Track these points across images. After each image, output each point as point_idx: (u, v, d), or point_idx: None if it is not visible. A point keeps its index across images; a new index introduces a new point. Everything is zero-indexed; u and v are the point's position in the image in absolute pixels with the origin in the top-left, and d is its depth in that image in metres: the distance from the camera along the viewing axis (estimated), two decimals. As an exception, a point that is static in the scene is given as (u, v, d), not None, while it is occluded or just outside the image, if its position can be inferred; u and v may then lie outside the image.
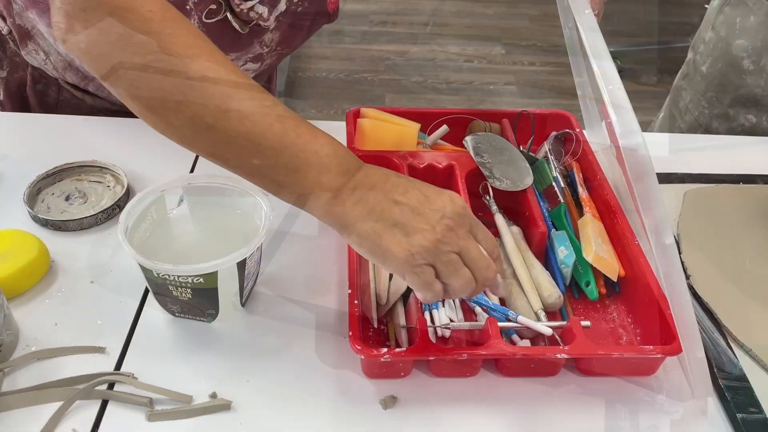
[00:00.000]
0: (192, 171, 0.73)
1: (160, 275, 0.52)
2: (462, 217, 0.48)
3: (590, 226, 0.62)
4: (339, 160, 0.48)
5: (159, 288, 0.54)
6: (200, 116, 0.45)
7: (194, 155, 0.74)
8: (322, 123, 0.81)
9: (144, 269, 0.52)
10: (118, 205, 0.66)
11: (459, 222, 0.47)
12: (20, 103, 0.82)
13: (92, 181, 0.70)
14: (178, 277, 0.51)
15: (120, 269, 0.61)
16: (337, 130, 0.79)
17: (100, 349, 0.54)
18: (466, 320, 0.56)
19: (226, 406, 0.50)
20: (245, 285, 0.56)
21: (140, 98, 0.46)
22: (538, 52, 2.93)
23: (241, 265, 0.53)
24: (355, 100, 2.59)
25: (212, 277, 0.52)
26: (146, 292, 0.59)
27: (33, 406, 0.50)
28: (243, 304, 0.58)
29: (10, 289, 0.56)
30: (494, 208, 0.65)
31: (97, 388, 0.51)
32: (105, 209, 0.65)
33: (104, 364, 0.53)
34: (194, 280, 0.52)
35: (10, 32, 0.75)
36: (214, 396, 0.51)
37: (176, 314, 0.57)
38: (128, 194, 0.67)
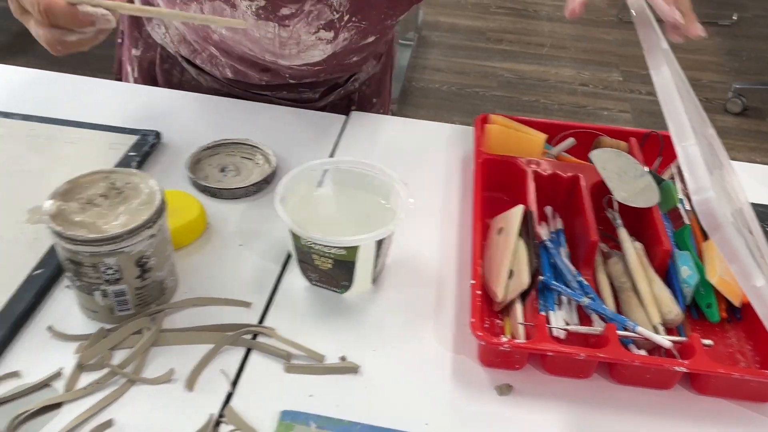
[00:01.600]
0: (331, 156, 0.79)
1: (308, 243, 0.57)
2: None
3: (716, 250, 0.62)
4: None
5: (304, 255, 0.59)
6: None
7: (333, 143, 0.81)
8: (446, 126, 0.86)
9: (294, 236, 0.58)
10: (267, 181, 0.73)
11: None
12: (150, 82, 0.92)
13: (244, 157, 0.77)
14: (324, 246, 0.57)
15: (265, 237, 0.67)
16: (465, 133, 0.84)
17: (246, 304, 0.60)
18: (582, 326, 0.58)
19: (353, 369, 0.55)
20: (378, 263, 0.61)
21: None
22: (657, 82, 2.85)
23: (379, 244, 0.58)
24: (465, 113, 2.62)
25: (353, 250, 0.57)
26: (287, 260, 0.65)
27: (187, 345, 0.56)
28: (373, 281, 0.62)
29: (175, 242, 0.63)
30: (618, 222, 0.67)
31: (243, 337, 0.57)
32: (255, 183, 0.72)
33: (249, 317, 0.59)
34: (337, 252, 0.57)
35: None
36: (343, 359, 0.56)
37: (313, 282, 0.62)
38: (275, 172, 0.74)
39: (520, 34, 3.22)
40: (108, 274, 0.54)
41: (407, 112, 2.52)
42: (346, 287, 0.61)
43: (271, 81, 0.86)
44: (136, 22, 0.90)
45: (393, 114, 1.08)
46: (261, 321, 0.59)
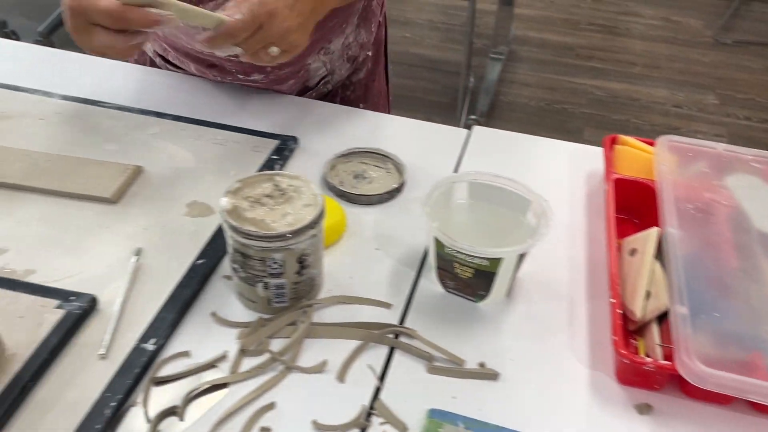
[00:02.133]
0: (456, 170, 0.82)
1: (452, 252, 0.60)
2: None
3: None
4: None
5: (445, 263, 0.62)
6: None
7: (457, 156, 0.84)
8: (567, 144, 0.86)
9: (438, 243, 0.61)
10: (398, 189, 0.77)
11: None
12: None
13: (376, 166, 0.81)
14: (468, 256, 0.60)
15: (399, 242, 0.71)
16: (594, 154, 0.85)
17: (387, 305, 0.64)
18: (721, 350, 0.58)
19: (494, 376, 0.57)
20: (515, 276, 0.63)
21: None
22: (756, 107, 2.75)
23: (520, 257, 0.61)
24: (553, 129, 2.61)
25: (496, 262, 0.59)
26: (421, 265, 0.68)
27: (335, 339, 0.60)
28: (508, 293, 0.65)
29: (320, 242, 0.68)
30: (757, 249, 0.67)
31: (387, 336, 0.60)
32: (389, 191, 0.76)
33: (388, 318, 0.63)
34: (480, 262, 0.60)
35: None
36: (482, 365, 0.58)
37: (449, 289, 0.65)
38: (405, 181, 0.78)
39: (611, 52, 3.18)
40: (273, 268, 0.58)
41: (494, 126, 2.52)
42: (483, 297, 0.63)
43: (224, 78, 0.90)
44: None
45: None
46: (401, 323, 0.62)
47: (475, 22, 2.56)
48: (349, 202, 0.76)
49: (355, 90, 1.02)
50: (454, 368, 0.58)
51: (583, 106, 2.77)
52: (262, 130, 0.85)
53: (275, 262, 0.58)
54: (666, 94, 2.86)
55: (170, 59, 0.94)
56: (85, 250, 0.66)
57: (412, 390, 0.56)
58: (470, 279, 0.62)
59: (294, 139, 0.83)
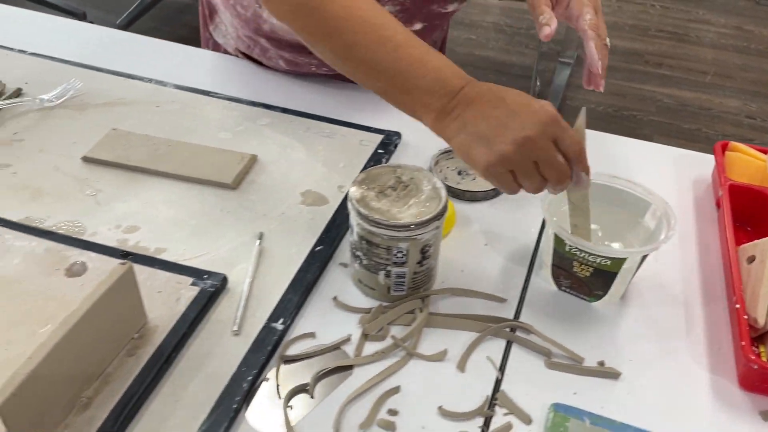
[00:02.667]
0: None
1: (572, 250, 0.61)
2: (545, 126, 0.53)
3: None
4: (443, 84, 0.57)
5: (562, 261, 0.63)
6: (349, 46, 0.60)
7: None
8: (671, 149, 0.85)
9: (557, 241, 0.62)
10: (505, 187, 0.78)
11: (541, 132, 0.53)
12: None
13: (479, 163, 0.82)
14: (590, 255, 0.60)
15: (507, 239, 0.72)
16: (699, 160, 0.84)
17: (501, 300, 0.65)
18: None
19: (615, 375, 0.58)
20: (632, 278, 0.63)
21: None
22: (836, 120, 2.66)
23: (642, 259, 0.61)
24: (621, 136, 2.57)
25: (618, 262, 0.60)
26: (531, 263, 0.69)
27: (452, 330, 0.62)
28: (623, 294, 0.65)
29: (434, 235, 0.69)
30: None
31: (504, 329, 0.61)
32: (495, 188, 0.77)
33: (503, 312, 0.64)
34: (602, 261, 0.60)
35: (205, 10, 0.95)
36: (602, 364, 0.59)
37: (562, 288, 0.66)
38: (513, 179, 0.78)
39: (681, 60, 3.11)
40: (397, 257, 0.60)
41: (562, 130, 2.50)
42: (599, 297, 0.64)
43: (321, 68, 0.90)
44: (206, 24, 0.99)
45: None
46: (515, 318, 0.63)
47: (545, 26, 2.55)
48: (454, 198, 0.77)
49: None
50: (574, 365, 0.59)
51: (652, 113, 2.72)
52: (365, 124, 0.87)
53: (400, 251, 0.59)
54: (738, 104, 2.79)
55: (255, 56, 0.97)
56: (210, 232, 0.69)
57: (532, 384, 0.57)
58: (588, 278, 0.62)
59: (398, 134, 0.85)
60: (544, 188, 0.57)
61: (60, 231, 0.67)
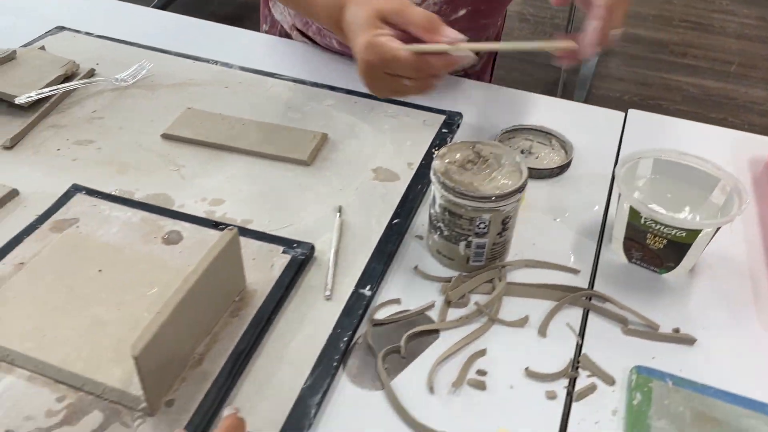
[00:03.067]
0: (618, 151, 0.84)
1: (648, 222, 0.63)
2: (368, 65, 0.62)
3: None
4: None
5: (636, 233, 0.65)
6: None
7: (618, 138, 0.86)
8: (718, 129, 0.87)
9: (633, 213, 0.64)
10: (567, 165, 0.80)
11: (370, 67, 0.62)
12: None
13: (539, 143, 0.84)
14: (665, 226, 0.62)
15: (574, 215, 0.74)
16: (755, 142, 0.86)
17: (575, 271, 0.67)
18: None
19: (690, 341, 0.60)
20: (704, 250, 0.65)
21: None
22: None
23: (715, 232, 0.63)
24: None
25: (694, 234, 0.62)
26: (601, 236, 0.72)
27: (529, 299, 0.64)
28: (692, 267, 0.67)
29: (506, 209, 0.72)
30: None
31: (582, 298, 0.64)
32: (560, 166, 0.79)
33: (576, 283, 0.66)
34: (677, 233, 0.63)
35: None
36: (677, 330, 0.61)
37: (633, 261, 0.68)
38: (572, 158, 0.81)
39: (705, 50, 3.11)
40: (479, 228, 0.62)
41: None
42: (670, 269, 0.66)
43: None
44: (266, 1, 1.02)
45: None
46: (590, 288, 0.66)
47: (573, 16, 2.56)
48: (520, 176, 0.79)
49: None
50: (650, 332, 0.61)
51: (678, 102, 2.72)
52: (427, 105, 0.89)
53: (482, 222, 0.62)
54: (764, 94, 2.79)
55: (311, 34, 0.99)
56: (291, 205, 0.72)
57: (611, 349, 0.60)
58: (661, 250, 0.65)
59: (459, 114, 0.88)
60: (414, 92, 0.64)
61: (151, 203, 0.70)
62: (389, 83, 0.63)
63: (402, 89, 0.64)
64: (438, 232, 0.66)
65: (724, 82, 2.85)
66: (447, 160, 0.65)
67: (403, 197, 0.74)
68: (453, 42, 0.61)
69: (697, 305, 0.65)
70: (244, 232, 0.66)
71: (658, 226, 0.63)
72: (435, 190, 0.64)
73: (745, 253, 0.71)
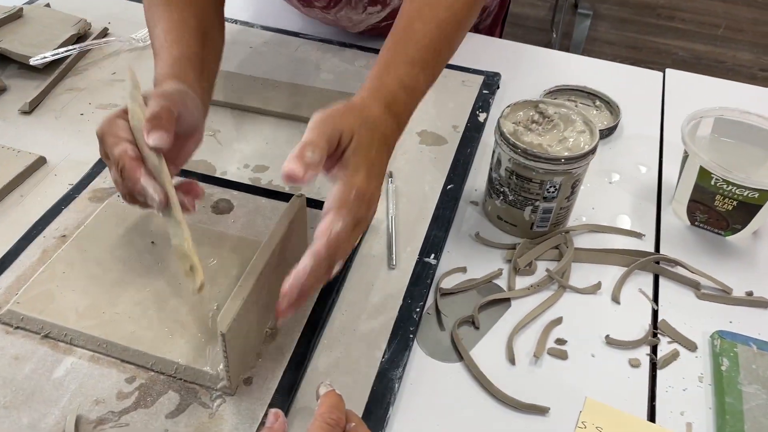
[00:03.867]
0: (662, 113, 0.82)
1: (718, 183, 0.61)
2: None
3: None
4: None
5: (703, 195, 0.63)
6: None
7: (660, 98, 0.84)
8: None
9: (702, 173, 0.62)
10: (615, 126, 0.78)
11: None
12: None
13: (583, 103, 0.82)
14: (738, 187, 0.61)
15: (629, 177, 0.72)
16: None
17: (639, 235, 0.65)
18: None
19: (765, 304, 0.59)
20: (770, 211, 0.64)
21: None
22: None
23: (787, 192, 0.62)
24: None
25: (766, 194, 0.60)
26: (659, 198, 0.70)
27: (596, 264, 0.62)
28: (756, 230, 0.66)
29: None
30: None
31: (653, 263, 0.62)
32: (609, 127, 0.77)
33: (642, 247, 0.64)
34: (748, 194, 0.61)
35: None
36: (750, 294, 0.60)
37: (696, 223, 0.66)
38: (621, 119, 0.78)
39: (693, 13, 3.10)
40: (549, 192, 0.60)
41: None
42: (735, 231, 0.65)
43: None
44: None
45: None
46: (657, 251, 0.64)
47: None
48: (567, 138, 0.77)
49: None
50: (724, 296, 0.60)
51: (669, 65, 2.71)
52: (463, 65, 0.86)
53: (553, 186, 0.59)
54: (752, 57, 2.80)
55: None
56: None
57: (687, 314, 0.58)
58: (729, 212, 0.63)
59: (497, 74, 0.84)
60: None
61: (191, 170, 0.66)
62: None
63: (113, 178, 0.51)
64: (501, 197, 0.63)
65: (712, 46, 2.85)
66: (512, 121, 0.62)
67: (453, 161, 0.71)
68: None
69: (766, 268, 0.63)
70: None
71: (729, 187, 0.61)
72: (500, 153, 0.61)
73: (804, 214, 0.69)
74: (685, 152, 0.65)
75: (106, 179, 0.64)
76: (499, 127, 0.60)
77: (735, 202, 0.62)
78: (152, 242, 0.56)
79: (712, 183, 0.62)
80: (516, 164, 0.59)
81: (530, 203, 0.61)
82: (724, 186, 0.61)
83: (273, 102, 0.75)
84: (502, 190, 0.62)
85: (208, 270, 0.54)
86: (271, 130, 0.73)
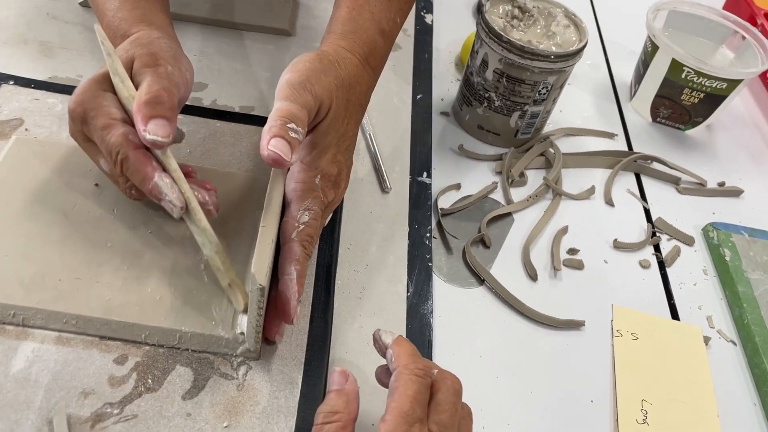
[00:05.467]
0: (593, 7, 0.80)
1: (688, 76, 0.61)
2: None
3: None
4: None
5: (671, 90, 0.63)
6: None
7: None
8: None
9: (674, 68, 0.61)
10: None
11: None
12: None
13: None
14: (707, 79, 0.60)
15: (583, 76, 0.70)
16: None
17: (611, 135, 0.64)
18: None
19: (738, 192, 0.61)
20: (727, 102, 0.65)
21: None
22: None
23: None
24: None
25: (734, 84, 0.61)
26: (617, 97, 0.69)
27: (577, 168, 0.60)
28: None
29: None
30: None
31: (634, 162, 0.61)
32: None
33: (616, 147, 0.63)
34: (718, 85, 0.61)
35: None
36: (722, 184, 0.61)
37: (658, 120, 0.66)
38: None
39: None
40: (540, 94, 0.55)
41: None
42: (696, 124, 0.65)
43: None
44: None
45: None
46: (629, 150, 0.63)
47: None
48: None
49: None
50: (701, 188, 0.60)
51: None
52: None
53: (545, 87, 0.55)
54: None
55: None
56: (293, 84, 0.58)
57: (674, 209, 0.58)
58: (695, 105, 0.63)
59: (430, -27, 0.77)
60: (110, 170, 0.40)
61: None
62: (91, 152, 0.40)
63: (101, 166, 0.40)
64: (485, 104, 0.57)
65: None
66: (493, 17, 0.56)
67: (414, 69, 0.64)
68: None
69: (725, 157, 0.65)
70: (252, 120, 0.52)
71: (700, 79, 0.61)
72: (487, 53, 0.55)
73: (742, 105, 0.72)
74: (651, 47, 0.63)
75: (1, 109, 0.48)
76: (486, 23, 0.54)
77: (702, 95, 0.62)
78: (96, 184, 0.44)
79: (683, 76, 0.61)
80: (508, 65, 0.54)
81: (519, 108, 0.56)
82: (695, 79, 0.61)
83: (193, 5, 0.62)
84: (486, 95, 0.57)
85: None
86: (197, 41, 0.60)
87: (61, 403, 0.34)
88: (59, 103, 0.49)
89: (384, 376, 0.36)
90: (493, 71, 0.55)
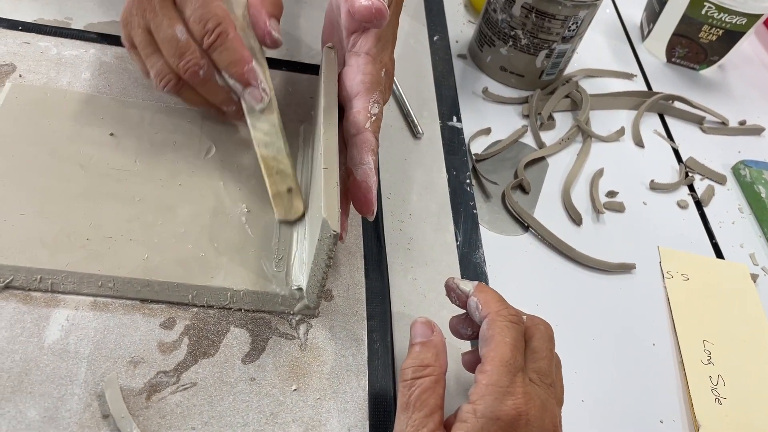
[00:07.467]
0: None
1: (709, 11, 0.59)
2: None
3: None
4: None
5: (689, 27, 0.61)
6: None
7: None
8: None
9: (693, 5, 0.59)
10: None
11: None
12: None
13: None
14: (726, 15, 0.59)
15: (598, 18, 0.68)
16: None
17: (630, 76, 0.62)
18: None
19: (759, 130, 0.60)
20: (741, 40, 0.64)
21: None
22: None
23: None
24: None
25: (754, 19, 0.59)
26: (628, 38, 0.66)
27: (602, 111, 0.58)
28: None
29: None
30: None
31: (660, 102, 0.59)
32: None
33: (635, 87, 0.61)
34: (737, 21, 0.59)
35: None
36: (743, 122, 0.60)
37: (672, 59, 0.65)
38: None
39: None
40: (570, 30, 0.53)
41: None
42: (711, 63, 0.64)
43: None
44: None
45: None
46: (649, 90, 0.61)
47: None
48: None
49: None
50: (723, 127, 0.59)
51: None
52: None
53: (575, 22, 0.52)
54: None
55: None
56: (302, 28, 0.54)
57: (701, 148, 0.57)
58: (712, 43, 0.62)
59: None
60: (167, 71, 0.36)
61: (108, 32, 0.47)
62: (139, 34, 0.36)
63: (146, 54, 0.36)
64: (509, 43, 0.54)
65: None
66: (516, -50, 0.52)
67: (426, 8, 0.60)
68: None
69: (742, 96, 0.64)
70: (277, 63, 0.48)
71: (720, 15, 0.59)
72: (515, -12, 0.51)
73: (749, 45, 0.71)
74: (670, -17, 0.61)
75: (-14, 54, 0.42)
76: (513, -46, 0.51)
77: (721, 32, 0.61)
78: (111, 134, 0.39)
79: (703, 12, 0.60)
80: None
81: (546, 46, 0.53)
82: (715, 15, 0.59)
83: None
84: (512, 33, 0.54)
85: (207, 162, 0.39)
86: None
87: (111, 374, 0.30)
88: (53, 47, 0.44)
89: (462, 325, 0.33)
90: (522, 6, 0.52)
